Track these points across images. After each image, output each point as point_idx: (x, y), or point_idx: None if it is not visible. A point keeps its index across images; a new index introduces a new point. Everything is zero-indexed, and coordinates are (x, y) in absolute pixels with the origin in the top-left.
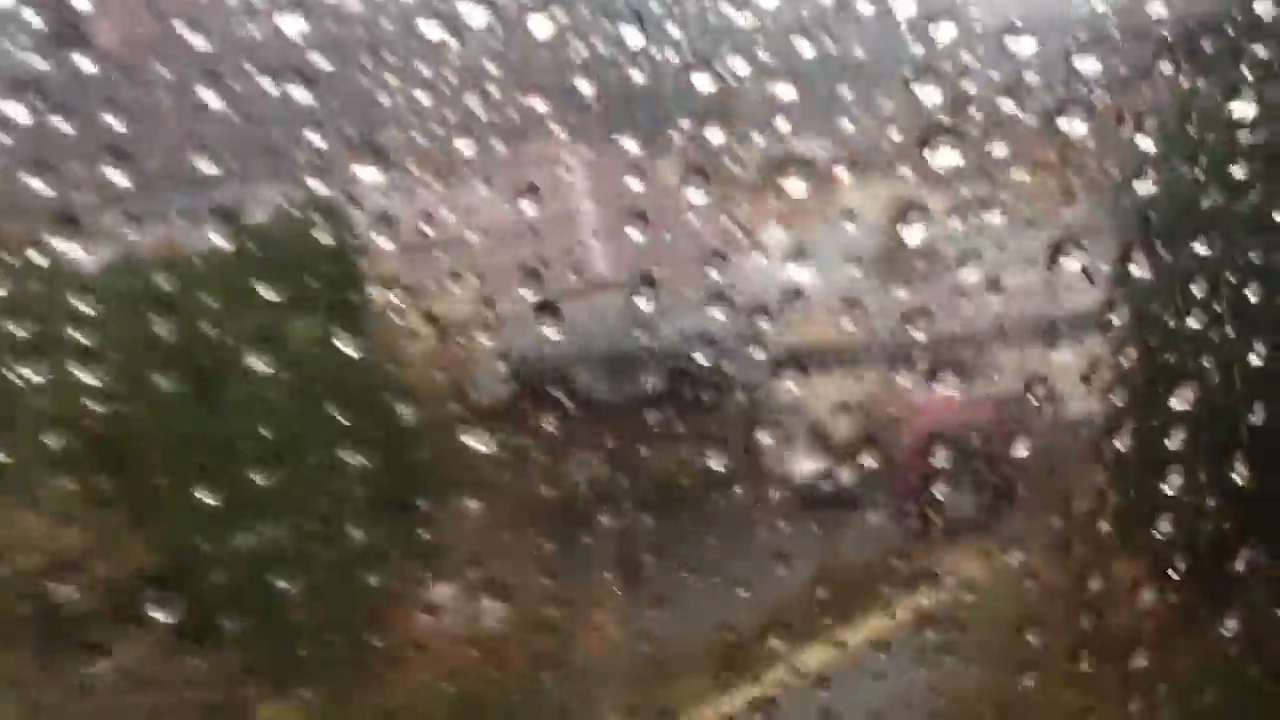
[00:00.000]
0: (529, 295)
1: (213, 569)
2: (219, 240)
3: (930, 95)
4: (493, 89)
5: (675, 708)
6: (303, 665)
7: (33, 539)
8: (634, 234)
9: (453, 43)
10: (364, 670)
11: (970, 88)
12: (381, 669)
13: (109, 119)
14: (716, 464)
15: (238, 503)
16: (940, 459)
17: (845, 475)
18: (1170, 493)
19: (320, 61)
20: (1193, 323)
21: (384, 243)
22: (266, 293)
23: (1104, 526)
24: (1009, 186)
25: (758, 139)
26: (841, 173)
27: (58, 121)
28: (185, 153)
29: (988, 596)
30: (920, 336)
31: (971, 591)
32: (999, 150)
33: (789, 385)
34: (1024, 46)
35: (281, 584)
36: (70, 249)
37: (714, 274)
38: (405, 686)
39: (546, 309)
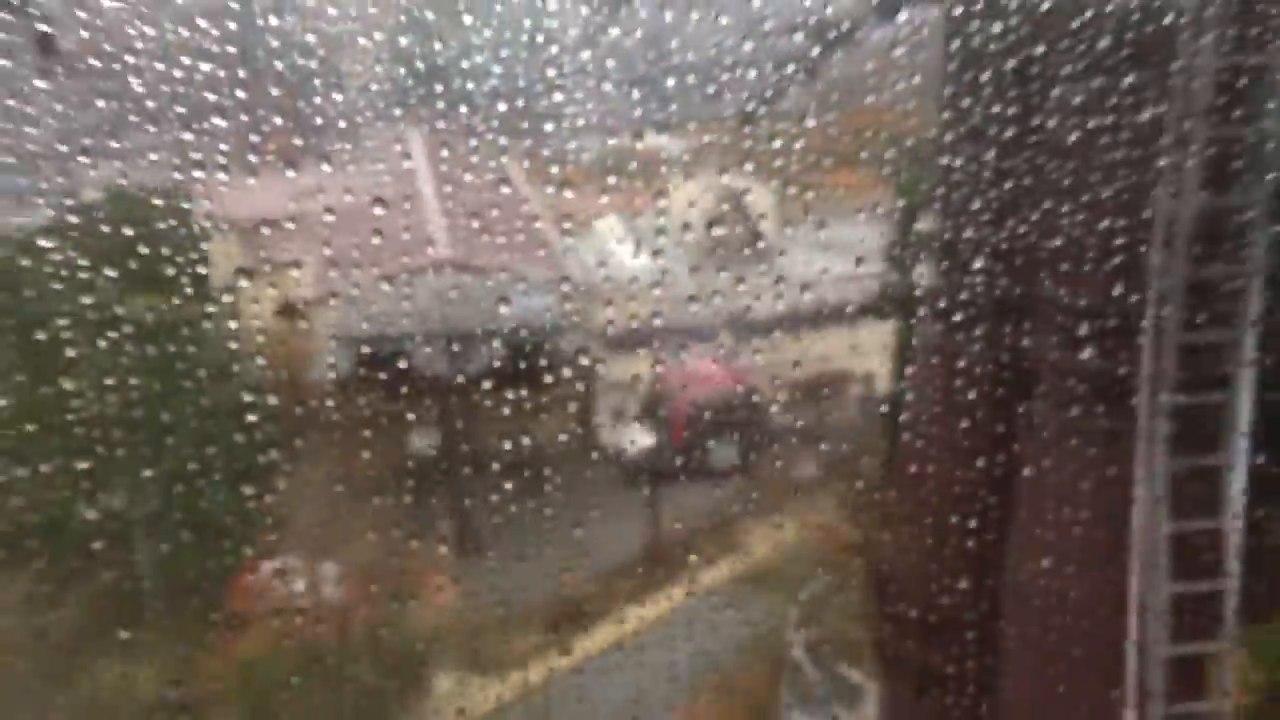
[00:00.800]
0: (370, 275)
1: (62, 536)
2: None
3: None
4: (342, 73)
5: (507, 662)
6: (150, 628)
7: None
8: (473, 218)
9: (300, 26)
10: (208, 633)
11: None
12: (226, 632)
13: None
14: (548, 436)
15: (83, 474)
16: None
17: (640, 442)
18: None
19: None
20: None
21: (227, 223)
22: (107, 271)
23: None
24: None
25: (598, 133)
26: (673, 166)
27: None
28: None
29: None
30: (720, 317)
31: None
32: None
33: (608, 363)
34: None
35: (129, 552)
36: None
37: (550, 258)
38: (249, 649)
39: (387, 288)
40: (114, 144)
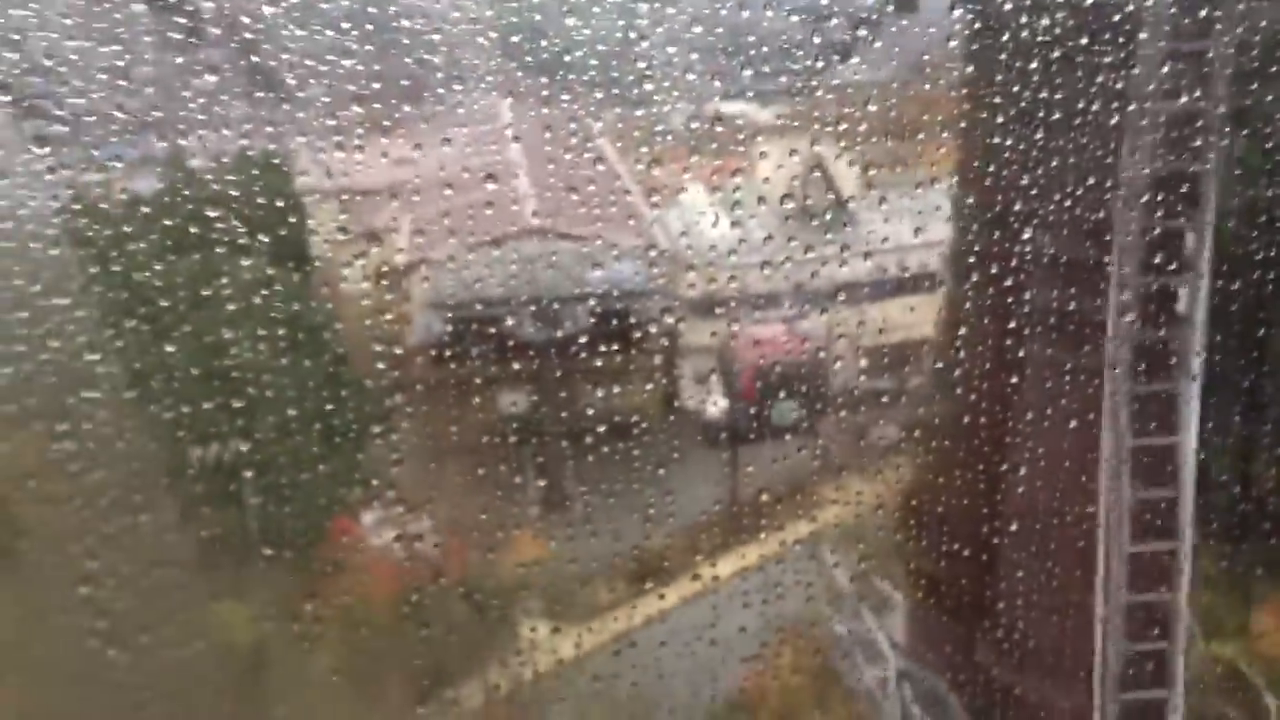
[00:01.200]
0: (462, 242)
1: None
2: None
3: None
4: (431, 46)
5: (590, 613)
6: (254, 569)
7: None
8: (563, 187)
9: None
10: (308, 577)
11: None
12: (323, 578)
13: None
14: (632, 400)
15: (193, 424)
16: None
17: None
18: None
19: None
20: None
21: (325, 192)
22: (210, 236)
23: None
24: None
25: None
26: (759, 137)
27: None
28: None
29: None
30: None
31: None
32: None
33: (693, 329)
34: None
35: (239, 495)
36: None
37: (638, 226)
38: (346, 593)
39: (478, 255)
40: None
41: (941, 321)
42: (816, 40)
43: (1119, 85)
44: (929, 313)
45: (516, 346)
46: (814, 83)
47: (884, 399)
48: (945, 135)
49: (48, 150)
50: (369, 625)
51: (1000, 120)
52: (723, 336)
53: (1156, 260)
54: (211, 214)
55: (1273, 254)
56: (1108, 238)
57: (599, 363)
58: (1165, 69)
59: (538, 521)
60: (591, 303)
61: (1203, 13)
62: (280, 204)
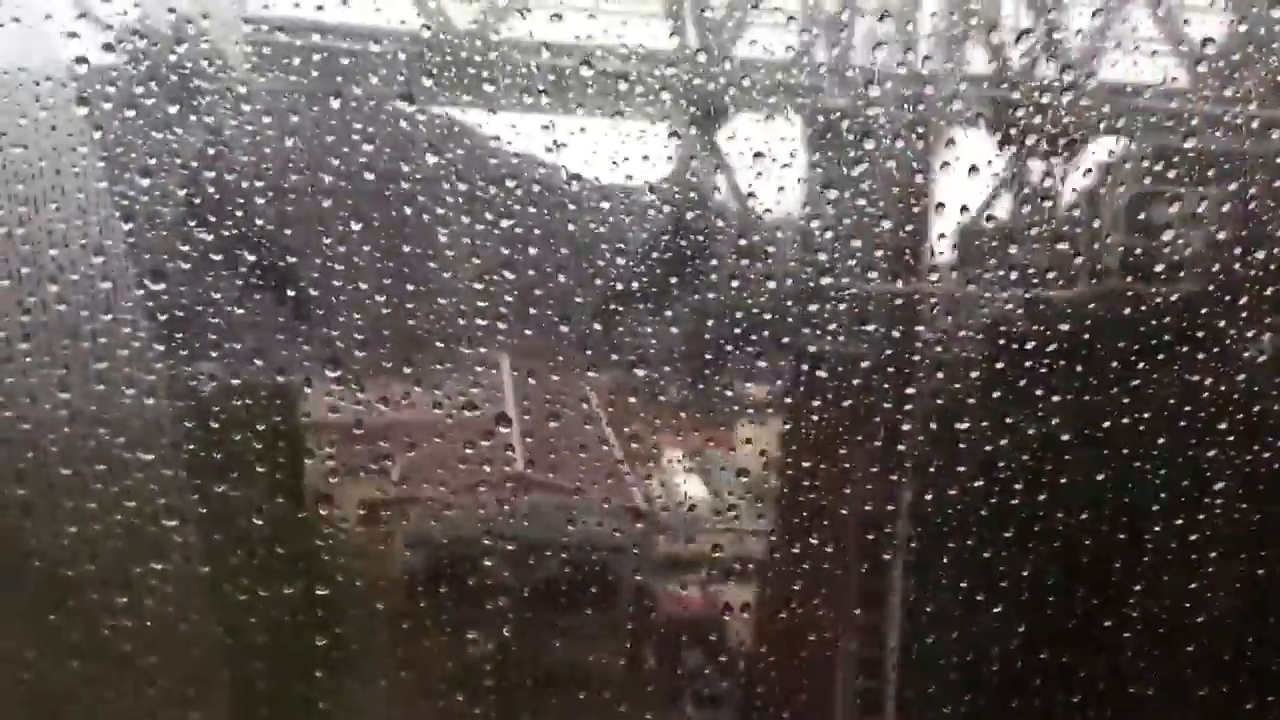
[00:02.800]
0: (448, 487)
1: None
2: None
3: None
4: (436, 300)
5: None
6: None
7: None
8: (554, 441)
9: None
10: None
11: None
12: None
13: None
14: (602, 654)
15: None
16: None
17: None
18: None
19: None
20: None
21: (325, 426)
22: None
23: None
24: None
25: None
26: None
27: None
28: None
29: None
30: None
31: None
32: None
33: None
34: None
35: None
36: None
37: (621, 485)
38: None
39: (463, 499)
40: None
41: None
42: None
43: None
44: None
45: (491, 589)
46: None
47: None
48: None
49: None
50: None
51: None
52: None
53: None
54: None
55: None
56: None
57: (569, 614)
58: None
59: None
60: (568, 554)
61: None
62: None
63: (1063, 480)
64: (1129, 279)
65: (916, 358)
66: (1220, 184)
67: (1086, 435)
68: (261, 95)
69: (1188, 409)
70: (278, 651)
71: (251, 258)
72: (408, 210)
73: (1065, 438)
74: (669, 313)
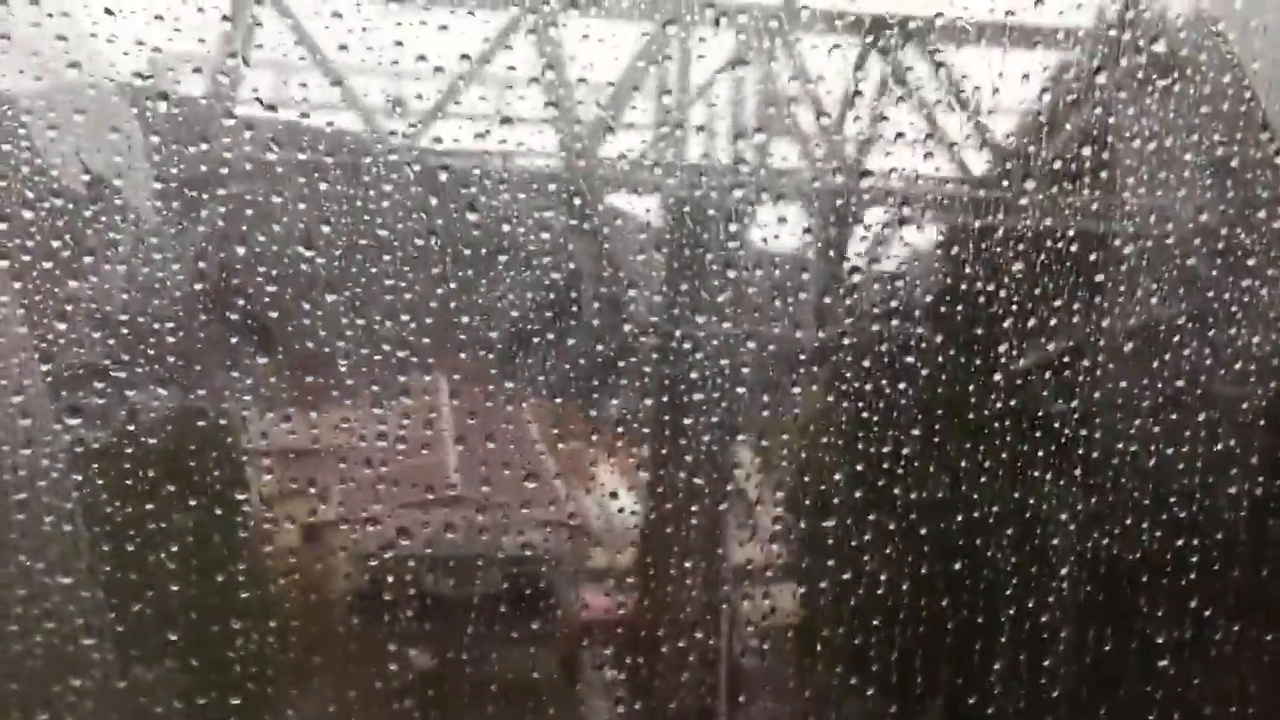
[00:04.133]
0: (387, 504)
1: None
2: None
3: None
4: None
5: None
6: None
7: None
8: (484, 457)
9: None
10: None
11: None
12: None
13: None
14: (534, 665)
15: None
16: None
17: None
18: None
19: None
20: None
21: (259, 449)
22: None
23: None
24: None
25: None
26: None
27: None
28: None
29: None
30: None
31: None
32: None
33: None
34: None
35: None
36: None
37: (549, 498)
38: None
39: (401, 517)
40: None
41: None
42: None
43: None
44: None
45: (430, 603)
46: None
47: None
48: None
49: None
50: None
51: None
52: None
53: None
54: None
55: None
56: None
57: (505, 623)
58: None
59: None
60: (503, 567)
61: None
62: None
63: None
64: None
65: None
66: None
67: None
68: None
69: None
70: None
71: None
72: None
73: None
74: None
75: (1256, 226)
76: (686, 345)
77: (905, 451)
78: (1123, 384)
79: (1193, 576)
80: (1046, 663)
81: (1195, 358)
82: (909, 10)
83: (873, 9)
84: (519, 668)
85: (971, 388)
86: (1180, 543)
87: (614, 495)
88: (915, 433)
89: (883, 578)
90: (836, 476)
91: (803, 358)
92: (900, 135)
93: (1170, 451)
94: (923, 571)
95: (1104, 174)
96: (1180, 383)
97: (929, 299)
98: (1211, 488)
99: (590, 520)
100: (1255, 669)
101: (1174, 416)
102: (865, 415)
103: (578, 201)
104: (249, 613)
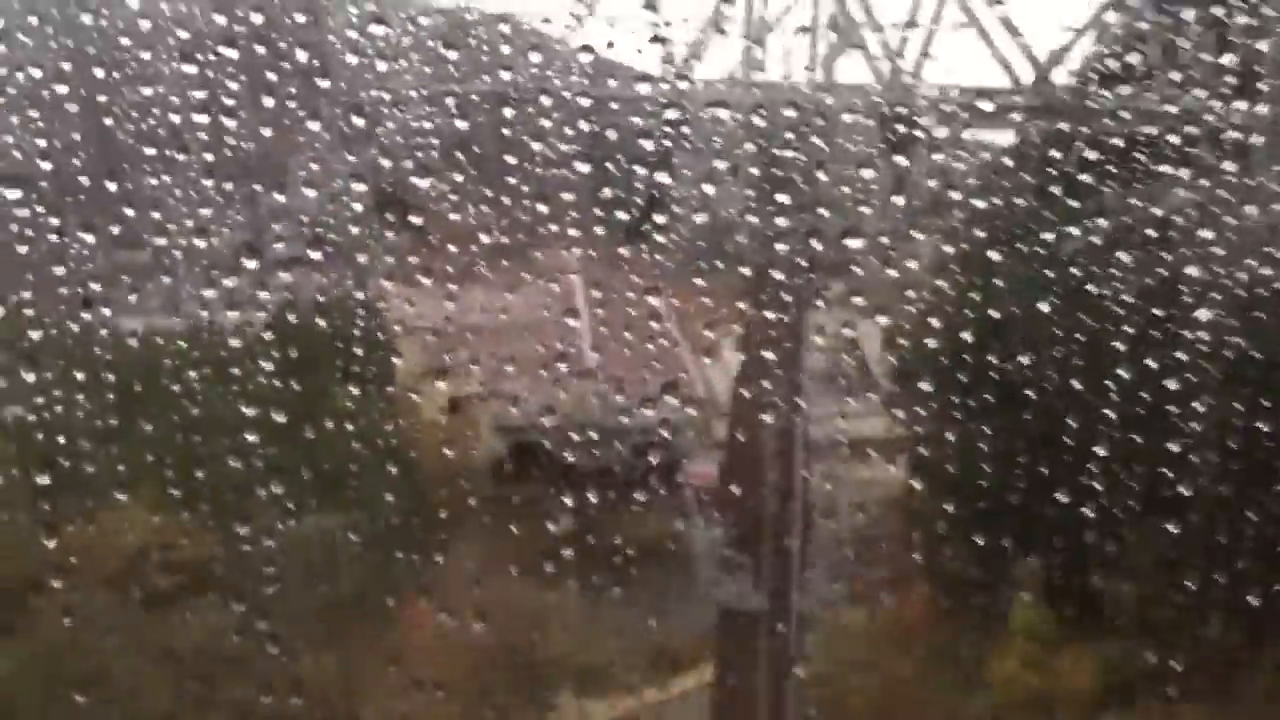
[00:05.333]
0: (525, 379)
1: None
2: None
3: None
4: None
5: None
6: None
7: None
8: (617, 336)
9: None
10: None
11: None
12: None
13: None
14: (662, 520)
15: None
16: None
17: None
18: None
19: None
20: None
21: (411, 331)
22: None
23: None
24: None
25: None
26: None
27: None
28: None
29: None
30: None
31: None
32: None
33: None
34: None
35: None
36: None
37: (678, 373)
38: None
39: (538, 391)
40: None
41: None
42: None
43: None
44: None
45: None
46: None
47: None
48: None
49: None
50: None
51: None
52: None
53: None
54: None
55: None
56: None
57: (635, 490)
58: None
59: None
60: (635, 438)
61: None
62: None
63: None
64: None
65: None
66: None
67: None
68: None
69: None
70: None
71: None
72: None
73: None
74: None
75: None
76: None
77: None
78: None
79: None
80: None
81: None
82: None
83: None
84: (638, 530)
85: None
86: None
87: (713, 361)
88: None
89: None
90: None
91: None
92: None
93: None
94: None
95: None
96: None
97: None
98: None
99: (702, 392)
100: None
101: None
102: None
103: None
104: (400, 477)
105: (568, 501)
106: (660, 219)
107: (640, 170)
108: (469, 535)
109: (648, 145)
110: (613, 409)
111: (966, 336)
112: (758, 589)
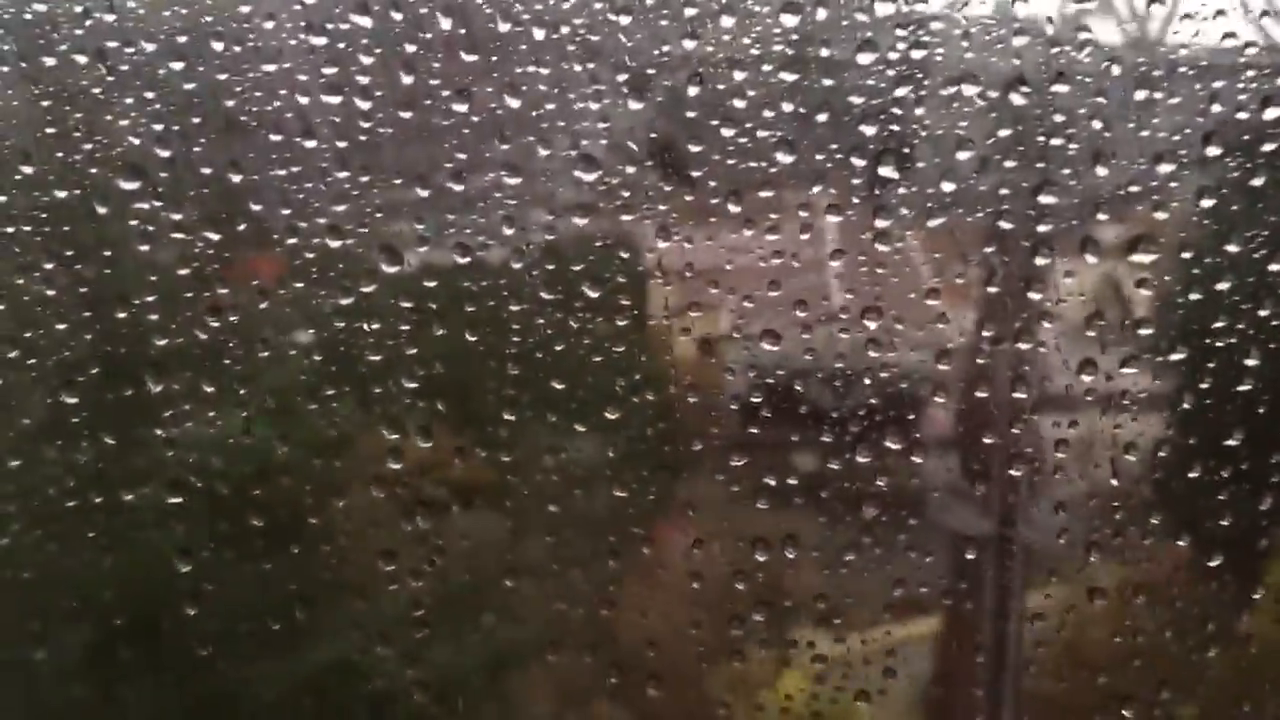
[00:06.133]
0: (772, 320)
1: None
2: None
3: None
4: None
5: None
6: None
7: None
8: (865, 281)
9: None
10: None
11: None
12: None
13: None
14: (908, 469)
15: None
16: None
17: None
18: None
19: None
20: None
21: (660, 270)
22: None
23: None
24: None
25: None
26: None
27: None
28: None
29: None
30: None
31: None
32: None
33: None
34: None
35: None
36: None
37: (923, 319)
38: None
39: (779, 334)
40: None
41: None
42: None
43: None
44: None
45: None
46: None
47: None
48: None
49: None
50: None
51: None
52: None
53: None
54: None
55: None
56: None
57: (879, 431)
58: None
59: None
60: (882, 382)
61: None
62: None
63: None
64: None
65: None
66: None
67: None
68: None
69: None
70: None
71: None
72: None
73: None
74: None
75: None
76: None
77: None
78: None
79: None
80: None
81: None
82: None
83: None
84: (882, 470)
85: None
86: None
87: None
88: None
89: None
90: None
91: None
92: None
93: None
94: None
95: None
96: None
97: None
98: None
99: (946, 339)
100: None
101: None
102: None
103: None
104: (653, 409)
105: (816, 440)
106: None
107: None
108: (719, 469)
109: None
110: (861, 352)
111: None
112: (984, 516)
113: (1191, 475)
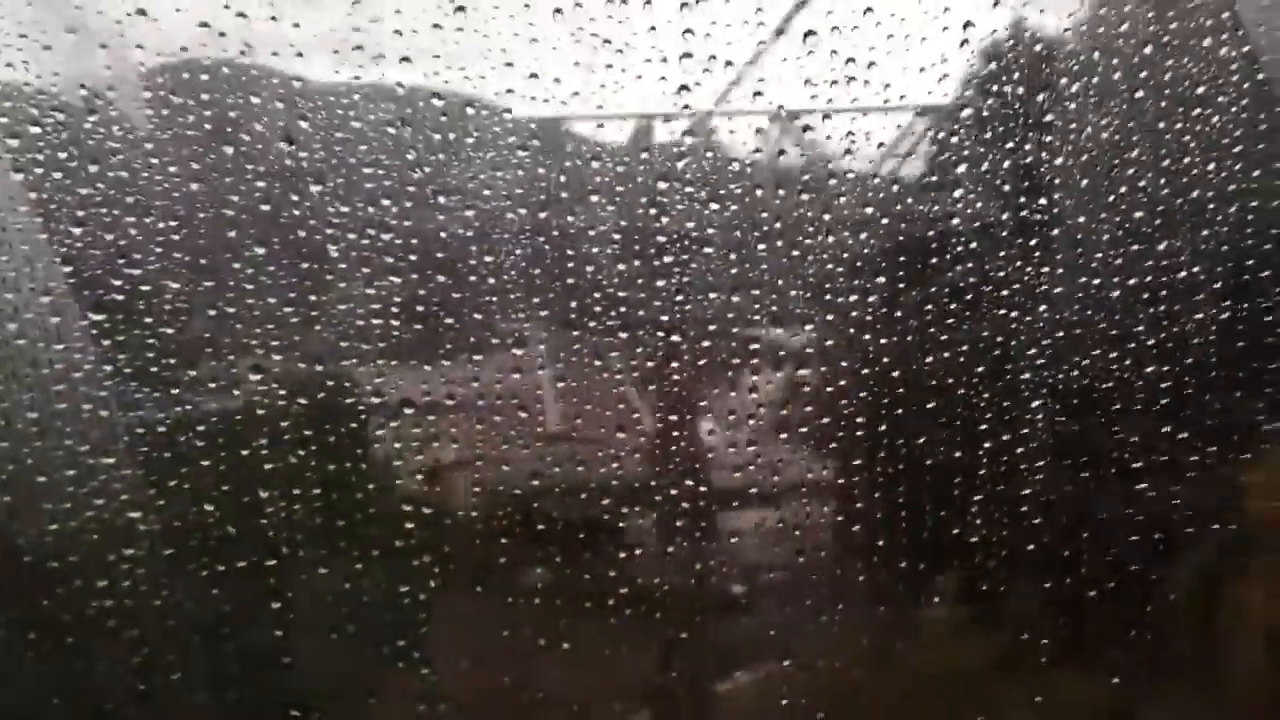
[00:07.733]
0: (499, 447)
1: None
2: None
3: None
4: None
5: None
6: None
7: None
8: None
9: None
10: None
11: None
12: None
13: None
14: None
15: None
16: None
17: None
18: None
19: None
20: None
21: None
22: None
23: None
24: None
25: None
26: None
27: None
28: None
29: None
30: None
31: None
32: None
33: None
34: None
35: None
36: None
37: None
38: None
39: (513, 455)
40: None
41: None
42: None
43: None
44: None
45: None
46: None
47: None
48: None
49: None
50: None
51: None
52: None
53: None
54: None
55: None
56: None
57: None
58: None
59: None
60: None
61: None
62: None
63: None
64: None
65: None
66: None
67: None
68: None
69: None
70: None
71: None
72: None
73: None
74: None
75: None
76: None
77: None
78: None
79: None
80: None
81: None
82: None
83: None
84: (623, 575)
85: None
86: None
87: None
88: None
89: None
90: None
91: None
92: None
93: None
94: None
95: None
96: None
97: None
98: None
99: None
100: None
101: None
102: None
103: None
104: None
105: (552, 554)
106: None
107: None
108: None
109: None
110: (582, 467)
111: None
112: None
113: None
